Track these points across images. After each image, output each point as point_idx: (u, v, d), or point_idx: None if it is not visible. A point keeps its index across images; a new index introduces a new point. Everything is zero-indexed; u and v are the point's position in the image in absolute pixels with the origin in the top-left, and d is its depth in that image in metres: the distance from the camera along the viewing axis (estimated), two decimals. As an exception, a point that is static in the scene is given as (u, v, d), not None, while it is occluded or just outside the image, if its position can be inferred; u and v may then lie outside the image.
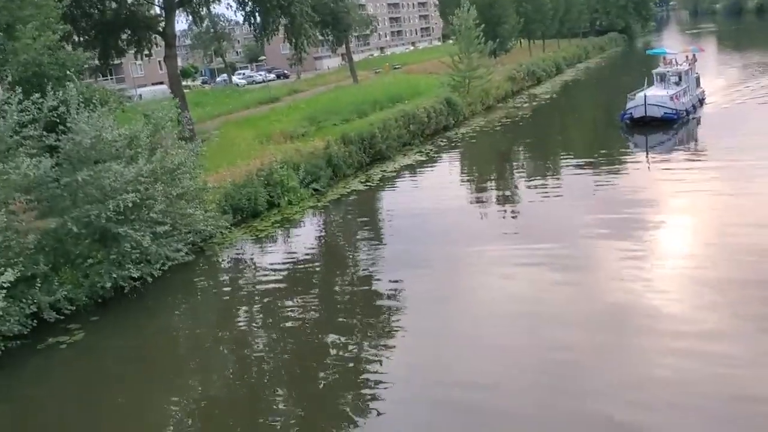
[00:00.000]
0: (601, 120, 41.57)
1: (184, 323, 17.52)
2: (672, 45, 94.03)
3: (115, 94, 21.89)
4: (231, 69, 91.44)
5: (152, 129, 19.64)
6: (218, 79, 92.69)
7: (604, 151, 30.24)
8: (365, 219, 25.08)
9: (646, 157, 30.11)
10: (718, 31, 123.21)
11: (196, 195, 20.39)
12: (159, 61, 76.32)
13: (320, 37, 50.97)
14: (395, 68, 78.56)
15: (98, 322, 16.66)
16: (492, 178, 30.14)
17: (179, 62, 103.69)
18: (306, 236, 23.52)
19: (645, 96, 33.67)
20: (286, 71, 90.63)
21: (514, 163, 32.74)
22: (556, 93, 54.53)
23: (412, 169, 31.65)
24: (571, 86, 59.60)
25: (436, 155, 34.24)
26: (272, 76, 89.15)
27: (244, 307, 17.58)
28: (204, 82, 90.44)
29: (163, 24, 37.77)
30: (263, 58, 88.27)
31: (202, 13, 42.92)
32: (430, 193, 27.34)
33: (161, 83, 75.09)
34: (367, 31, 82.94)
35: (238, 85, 79.52)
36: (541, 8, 72.19)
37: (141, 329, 16.78)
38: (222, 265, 20.91)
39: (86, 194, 17.21)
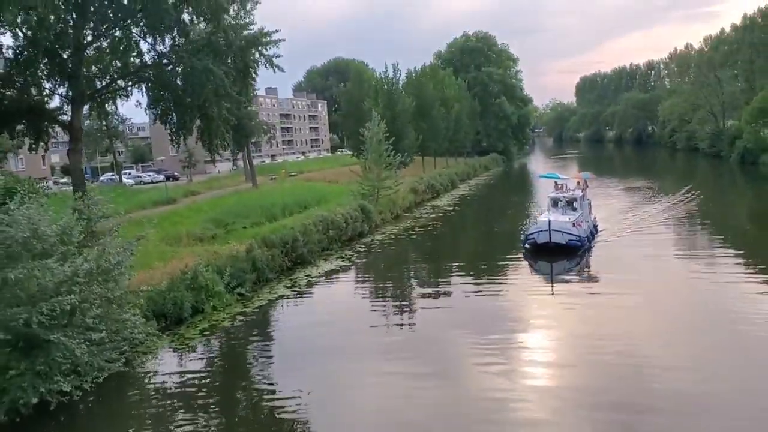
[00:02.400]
0: (502, 236, 41.47)
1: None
2: (541, 167, 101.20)
3: (39, 185, 19.92)
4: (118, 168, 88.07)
5: (85, 225, 17.88)
6: (102, 177, 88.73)
7: (510, 274, 29.86)
8: (293, 328, 23.69)
9: (551, 285, 28.28)
10: (583, 157, 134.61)
11: (126, 299, 18.51)
12: (42, 156, 72.45)
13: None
14: (291, 175, 78.96)
15: (18, 446, 14.22)
16: (408, 287, 29.23)
17: (57, 159, 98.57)
18: (236, 346, 21.88)
19: (549, 222, 32.03)
20: (176, 173, 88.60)
21: (430, 273, 31.88)
22: (456, 206, 56.33)
23: (336, 273, 30.92)
24: (468, 200, 61.88)
25: (358, 260, 33.78)
26: (161, 177, 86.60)
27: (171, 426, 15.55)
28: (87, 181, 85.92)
29: (67, 116, 35.83)
30: (162, 158, 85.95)
31: (108, 108, 41.35)
32: (354, 301, 26.79)
33: (44, 179, 70.83)
34: (265, 139, 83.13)
35: (126, 185, 76.37)
36: (435, 127, 75.71)
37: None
38: (152, 378, 18.73)
39: (12, 295, 15.08)
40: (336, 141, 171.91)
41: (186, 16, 34.21)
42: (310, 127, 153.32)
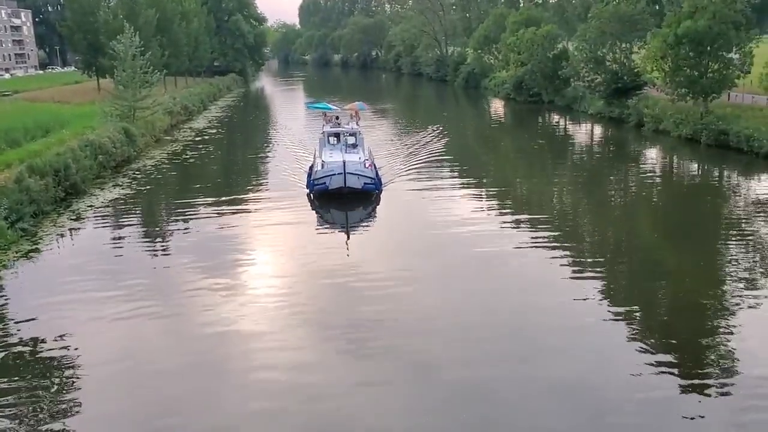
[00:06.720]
0: (278, 166, 36.74)
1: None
2: (275, 89, 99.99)
3: None
4: None
5: None
6: None
7: (298, 221, 25.40)
8: (94, 260, 21.06)
9: (347, 236, 23.79)
10: (311, 79, 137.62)
11: None
12: None
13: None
14: (5, 95, 68.67)
15: None
16: (197, 218, 25.94)
17: None
18: (27, 286, 18.89)
19: (345, 163, 27.10)
20: None
21: (216, 204, 28.25)
22: (218, 129, 54.14)
23: (121, 203, 28.30)
24: (227, 123, 59.48)
25: (138, 188, 31.08)
26: None
27: None
28: None
29: None
30: None
31: None
32: (136, 234, 24.17)
33: None
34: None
35: None
36: (177, 43, 71.16)
37: None
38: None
39: None
40: (43, 57, 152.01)
41: None
42: (13, 41, 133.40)
